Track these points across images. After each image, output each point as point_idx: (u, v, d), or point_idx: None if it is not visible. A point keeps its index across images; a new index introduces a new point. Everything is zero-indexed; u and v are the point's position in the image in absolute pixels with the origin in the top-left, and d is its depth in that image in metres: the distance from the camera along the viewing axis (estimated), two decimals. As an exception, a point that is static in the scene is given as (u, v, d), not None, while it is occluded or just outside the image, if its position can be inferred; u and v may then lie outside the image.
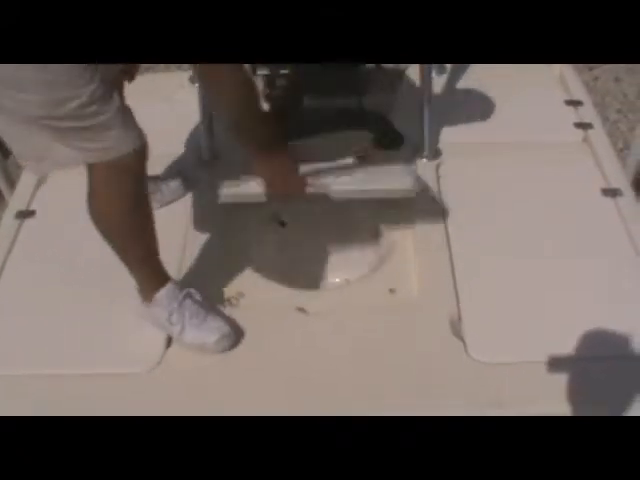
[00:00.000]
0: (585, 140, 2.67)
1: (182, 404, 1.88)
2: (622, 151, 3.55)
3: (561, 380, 1.90)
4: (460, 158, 2.55)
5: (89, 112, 1.64)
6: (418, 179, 2.28)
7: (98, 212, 1.87)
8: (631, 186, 2.60)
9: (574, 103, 2.83)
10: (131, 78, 2.12)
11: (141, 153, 1.79)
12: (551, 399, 1.87)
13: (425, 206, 2.39)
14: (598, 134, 2.73)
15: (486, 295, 2.12)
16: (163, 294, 2.01)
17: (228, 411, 1.81)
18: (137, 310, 2.05)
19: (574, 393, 1.87)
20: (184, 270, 2.21)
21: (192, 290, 2.05)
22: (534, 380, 1.91)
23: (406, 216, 2.37)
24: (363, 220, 2.42)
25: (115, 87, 1.75)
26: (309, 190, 2.07)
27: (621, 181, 2.51)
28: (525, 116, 2.69)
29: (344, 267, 2.25)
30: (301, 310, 2.12)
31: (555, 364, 1.93)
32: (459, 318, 2.06)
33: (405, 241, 2.31)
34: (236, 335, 2.03)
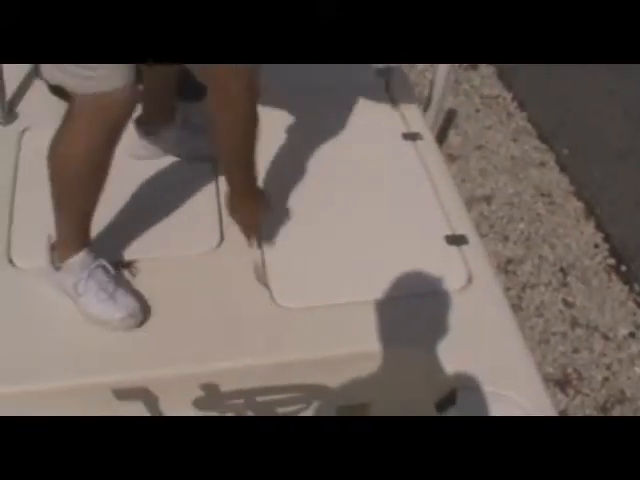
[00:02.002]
0: (387, 89, 2.72)
1: None
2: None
3: (367, 320, 1.95)
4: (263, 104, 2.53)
5: None
6: None
7: (64, 145, 1.76)
8: (437, 134, 2.70)
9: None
10: None
11: (127, 98, 1.73)
12: (358, 339, 1.93)
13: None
14: (400, 83, 2.79)
15: (290, 240, 2.14)
16: (76, 261, 1.88)
17: None
18: (42, 271, 1.92)
19: (380, 331, 1.92)
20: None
21: (105, 262, 1.92)
22: (341, 322, 1.95)
23: (207, 164, 2.35)
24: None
25: None
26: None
27: (421, 126, 2.58)
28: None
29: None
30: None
31: (360, 305, 1.97)
32: (263, 264, 2.06)
33: (209, 189, 2.29)
34: (144, 314, 1.92)
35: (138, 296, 1.95)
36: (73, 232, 1.90)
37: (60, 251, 1.91)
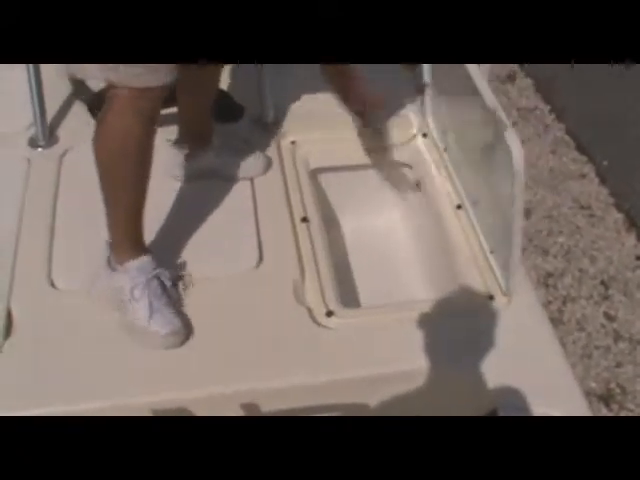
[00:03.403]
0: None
1: None
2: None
3: (406, 339, 1.94)
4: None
5: None
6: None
7: (104, 139, 1.83)
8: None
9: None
10: None
11: (164, 92, 1.81)
12: (397, 358, 1.93)
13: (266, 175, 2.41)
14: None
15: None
16: (136, 265, 1.91)
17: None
18: (97, 272, 1.96)
19: (419, 350, 1.92)
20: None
21: (164, 272, 1.96)
22: (381, 342, 1.94)
23: (245, 185, 2.37)
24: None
25: None
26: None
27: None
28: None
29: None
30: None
31: (399, 325, 1.97)
32: (302, 284, 2.06)
33: (246, 209, 2.30)
34: (187, 334, 1.93)
35: (182, 315, 1.96)
36: (130, 231, 1.93)
37: (118, 254, 1.93)
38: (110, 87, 1.78)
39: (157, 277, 1.93)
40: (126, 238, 1.93)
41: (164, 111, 2.33)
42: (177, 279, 2.03)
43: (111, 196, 1.89)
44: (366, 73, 2.48)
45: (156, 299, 1.91)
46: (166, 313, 1.91)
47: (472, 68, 2.01)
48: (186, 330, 1.93)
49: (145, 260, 1.93)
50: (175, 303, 1.97)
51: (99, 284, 1.96)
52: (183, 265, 2.09)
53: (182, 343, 1.92)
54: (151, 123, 1.83)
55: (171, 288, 1.98)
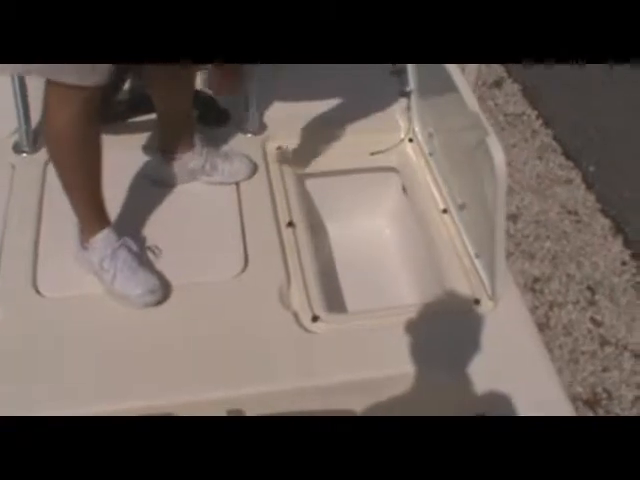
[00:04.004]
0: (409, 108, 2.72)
1: None
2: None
3: (391, 344, 1.94)
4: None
5: None
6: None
7: (48, 130, 1.97)
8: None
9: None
10: None
11: (97, 92, 1.86)
12: (383, 363, 1.92)
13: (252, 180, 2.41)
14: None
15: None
16: (99, 239, 2.01)
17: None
18: (74, 254, 2.06)
19: (405, 355, 1.92)
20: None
21: (129, 239, 2.05)
22: (366, 346, 1.94)
23: (231, 190, 2.37)
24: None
25: None
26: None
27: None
28: (349, 89, 2.70)
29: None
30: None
31: (384, 329, 1.97)
32: (288, 289, 2.06)
33: (231, 214, 2.29)
34: (164, 292, 2.02)
35: (159, 275, 2.04)
36: (89, 211, 2.03)
37: (85, 233, 2.03)
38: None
39: (123, 245, 2.03)
40: (87, 218, 2.03)
41: (146, 117, 2.35)
42: (147, 247, 2.14)
43: (64, 181, 1.99)
44: (355, 78, 2.53)
45: (126, 265, 2.00)
46: (140, 275, 2.00)
47: (456, 74, 2.02)
48: (163, 288, 2.01)
49: (106, 232, 2.02)
50: (148, 265, 2.07)
51: (79, 264, 2.06)
52: (164, 274, 2.10)
53: (160, 301, 2.00)
54: (87, 118, 1.90)
55: (140, 253, 2.07)
